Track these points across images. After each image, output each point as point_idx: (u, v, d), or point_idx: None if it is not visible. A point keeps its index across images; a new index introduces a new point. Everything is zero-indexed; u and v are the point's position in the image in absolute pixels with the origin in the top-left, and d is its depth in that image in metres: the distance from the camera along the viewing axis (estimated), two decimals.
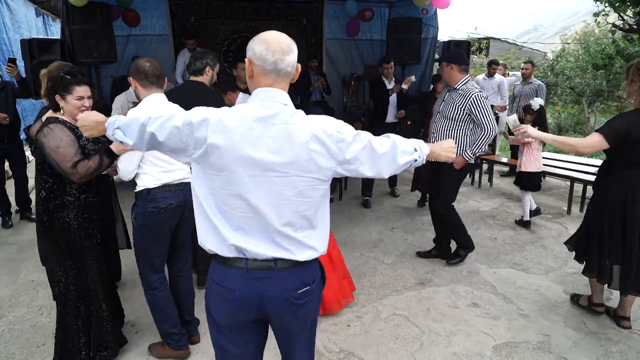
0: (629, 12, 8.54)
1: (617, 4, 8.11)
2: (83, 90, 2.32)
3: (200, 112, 1.38)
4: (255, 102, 1.40)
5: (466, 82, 3.66)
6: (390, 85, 5.62)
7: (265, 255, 1.41)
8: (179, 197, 2.43)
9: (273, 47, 1.37)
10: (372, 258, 4.07)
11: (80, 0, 4.74)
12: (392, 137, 1.53)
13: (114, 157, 2.29)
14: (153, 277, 2.50)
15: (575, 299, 3.27)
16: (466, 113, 3.61)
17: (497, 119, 4.41)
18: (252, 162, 1.35)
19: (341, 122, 1.46)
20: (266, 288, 1.44)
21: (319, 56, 7.62)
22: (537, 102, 4.59)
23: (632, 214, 2.69)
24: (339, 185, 5.89)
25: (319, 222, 1.49)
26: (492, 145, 6.97)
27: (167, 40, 6.96)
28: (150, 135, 1.42)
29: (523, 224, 4.85)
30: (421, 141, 1.59)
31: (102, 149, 2.32)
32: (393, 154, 1.50)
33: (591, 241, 2.91)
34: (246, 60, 1.42)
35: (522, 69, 6.83)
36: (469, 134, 3.68)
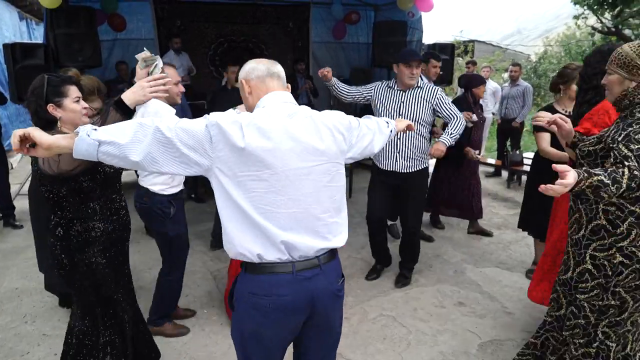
0: (607, 15, 8.74)
1: (595, 7, 8.30)
2: (77, 91, 1.94)
3: (226, 116, 1.39)
4: (272, 105, 1.49)
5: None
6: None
7: (313, 248, 1.47)
8: None
9: (260, 62, 1.57)
10: (359, 260, 4.10)
11: (53, 3, 4.68)
12: (371, 117, 1.92)
13: (129, 111, 1.79)
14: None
15: (529, 274, 3.69)
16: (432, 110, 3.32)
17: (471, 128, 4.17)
18: (293, 155, 1.42)
19: (343, 113, 1.67)
20: (316, 286, 1.49)
21: (306, 59, 7.64)
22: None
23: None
24: None
25: (344, 206, 1.61)
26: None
27: (153, 44, 6.92)
28: (166, 142, 1.31)
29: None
30: (385, 118, 2.05)
31: (110, 102, 1.79)
32: (380, 129, 1.88)
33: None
34: (240, 82, 1.57)
35: (511, 71, 6.99)
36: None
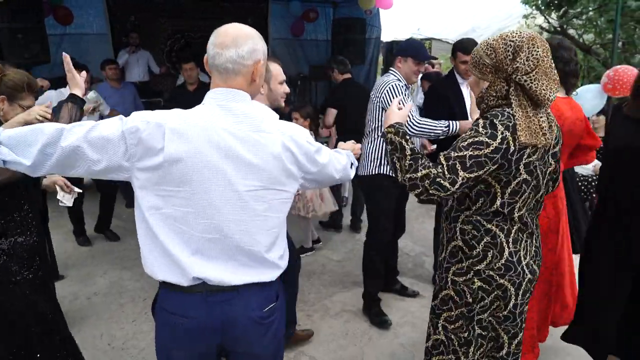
0: (554, 15, 9.19)
1: (542, 8, 8.70)
2: None
3: (148, 117, 1.20)
4: (212, 105, 1.26)
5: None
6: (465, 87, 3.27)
7: (230, 283, 1.28)
8: None
9: (216, 40, 1.25)
10: (320, 256, 4.13)
11: None
12: (341, 151, 1.65)
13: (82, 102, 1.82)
14: None
15: None
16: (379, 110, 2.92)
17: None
18: (220, 173, 1.21)
19: (307, 132, 1.42)
20: (231, 311, 1.30)
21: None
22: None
23: None
24: None
25: (284, 238, 1.41)
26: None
27: (106, 39, 6.68)
28: (71, 151, 1.15)
29: None
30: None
31: (68, 98, 1.78)
32: (345, 168, 1.57)
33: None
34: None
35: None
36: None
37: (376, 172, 2.95)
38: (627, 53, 8.82)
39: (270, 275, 1.35)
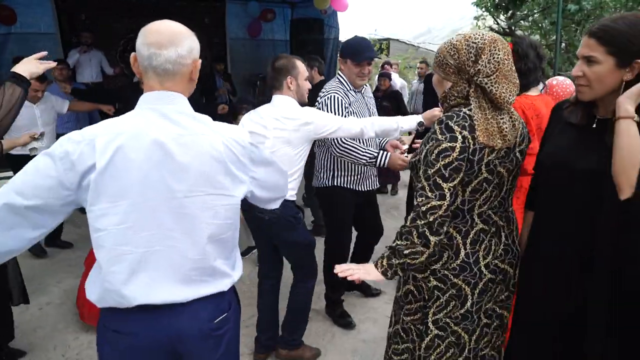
0: (502, 17, 9.60)
1: (492, 9, 9.08)
2: None
3: (76, 136, 1.12)
4: (146, 110, 1.18)
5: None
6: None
7: (177, 301, 1.20)
8: None
9: (149, 39, 1.15)
10: None
11: None
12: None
13: (26, 81, 1.74)
14: None
15: None
16: None
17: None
18: (158, 182, 1.14)
19: (247, 133, 1.36)
20: (177, 324, 1.22)
21: (224, 56, 7.51)
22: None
23: None
24: None
25: (235, 245, 1.35)
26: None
27: (54, 38, 6.40)
28: (7, 210, 1.07)
29: None
30: None
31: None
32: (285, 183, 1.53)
33: None
34: (132, 54, 1.21)
35: (418, 68, 7.42)
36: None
37: (330, 184, 2.80)
38: (570, 54, 9.35)
39: (221, 285, 1.28)
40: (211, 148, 1.19)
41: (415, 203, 1.46)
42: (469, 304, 1.57)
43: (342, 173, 2.77)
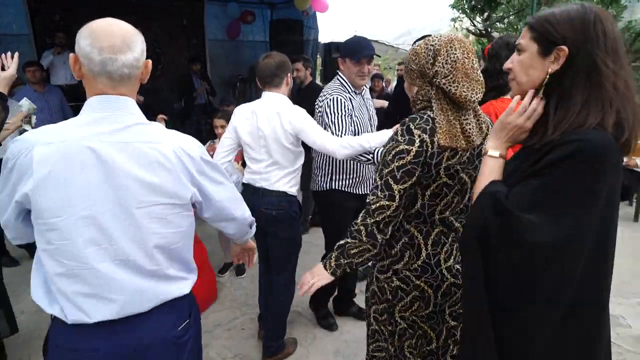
0: (478, 19, 9.78)
1: (468, 12, 9.24)
2: None
3: (17, 143, 1.08)
4: (89, 115, 1.11)
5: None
6: None
7: (137, 312, 1.17)
8: None
9: (100, 43, 1.08)
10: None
11: None
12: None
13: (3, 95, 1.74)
14: None
15: None
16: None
17: None
18: (105, 192, 1.09)
19: (199, 144, 1.28)
20: (142, 334, 1.18)
21: (203, 58, 7.44)
22: None
23: None
24: None
25: (189, 251, 1.31)
26: None
27: (27, 40, 6.25)
28: None
29: None
30: None
31: None
32: (242, 205, 1.48)
33: None
34: (70, 55, 1.14)
35: (397, 69, 7.46)
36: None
37: (328, 188, 2.77)
38: None
39: (177, 289, 1.25)
40: (160, 156, 1.14)
41: (367, 200, 1.48)
42: (432, 305, 1.59)
43: (340, 176, 2.74)
